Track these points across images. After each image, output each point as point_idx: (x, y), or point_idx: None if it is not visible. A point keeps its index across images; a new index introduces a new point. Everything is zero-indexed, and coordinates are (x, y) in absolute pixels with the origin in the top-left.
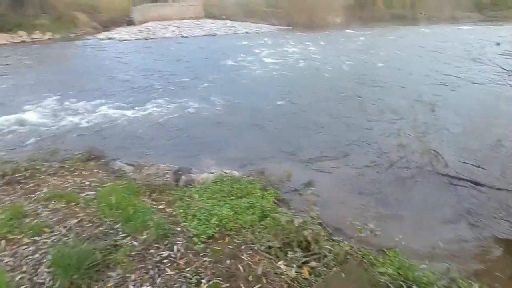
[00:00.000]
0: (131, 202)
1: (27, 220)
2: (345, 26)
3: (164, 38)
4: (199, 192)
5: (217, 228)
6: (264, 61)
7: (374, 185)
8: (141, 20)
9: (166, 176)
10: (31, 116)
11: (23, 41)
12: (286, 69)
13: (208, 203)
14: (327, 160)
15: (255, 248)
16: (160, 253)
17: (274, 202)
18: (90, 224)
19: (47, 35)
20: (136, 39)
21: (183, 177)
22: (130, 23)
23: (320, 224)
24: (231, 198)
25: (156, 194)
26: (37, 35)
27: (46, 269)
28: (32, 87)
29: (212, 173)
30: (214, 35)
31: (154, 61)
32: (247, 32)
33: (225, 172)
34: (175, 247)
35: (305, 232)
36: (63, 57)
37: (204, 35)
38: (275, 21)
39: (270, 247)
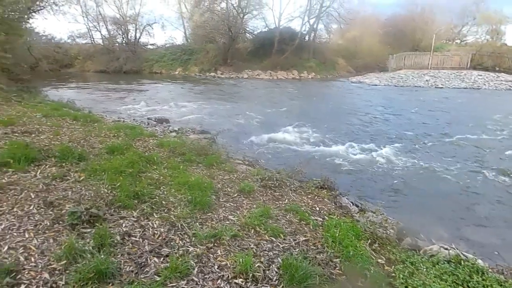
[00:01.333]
0: (353, 242)
1: (271, 221)
2: None
3: (415, 86)
4: (426, 264)
5: None
6: None
7: None
8: (394, 67)
9: (389, 230)
10: (285, 136)
11: (294, 78)
12: None
13: (436, 284)
14: None
15: None
16: None
17: None
18: (314, 248)
19: (311, 75)
20: (385, 85)
21: (408, 238)
22: (383, 69)
23: None
24: None
25: (376, 244)
26: (304, 74)
27: (276, 269)
28: (286, 114)
29: (446, 249)
30: (478, 88)
31: (399, 108)
32: None
33: (463, 255)
34: None
35: None
36: (318, 92)
37: (465, 88)
38: None
39: None
